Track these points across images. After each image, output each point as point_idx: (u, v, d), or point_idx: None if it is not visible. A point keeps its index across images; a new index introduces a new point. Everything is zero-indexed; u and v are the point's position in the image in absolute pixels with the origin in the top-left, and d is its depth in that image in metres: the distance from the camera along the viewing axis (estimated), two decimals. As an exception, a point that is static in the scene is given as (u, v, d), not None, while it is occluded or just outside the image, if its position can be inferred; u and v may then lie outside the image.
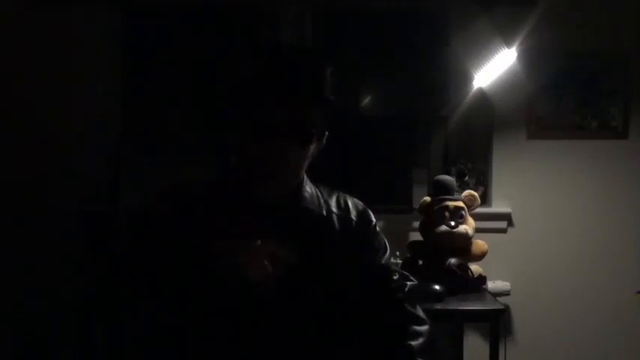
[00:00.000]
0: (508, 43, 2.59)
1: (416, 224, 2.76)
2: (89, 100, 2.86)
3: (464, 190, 2.76)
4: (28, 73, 2.85)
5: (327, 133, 1.32)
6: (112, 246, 2.32)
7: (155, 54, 2.99)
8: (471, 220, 2.63)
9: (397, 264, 2.47)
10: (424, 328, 1.39)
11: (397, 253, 2.59)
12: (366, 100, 3.21)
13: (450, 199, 2.61)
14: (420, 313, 1.42)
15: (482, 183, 2.99)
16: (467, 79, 2.89)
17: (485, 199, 2.95)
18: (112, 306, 1.16)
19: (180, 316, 1.20)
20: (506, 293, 2.83)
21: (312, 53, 1.35)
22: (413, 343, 1.35)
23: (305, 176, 1.38)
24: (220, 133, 1.34)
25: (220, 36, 2.98)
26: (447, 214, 2.58)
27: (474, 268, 2.56)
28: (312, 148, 1.30)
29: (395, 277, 1.42)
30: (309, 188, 1.38)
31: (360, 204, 1.44)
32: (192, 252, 1.16)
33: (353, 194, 1.47)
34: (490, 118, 2.96)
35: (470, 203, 2.65)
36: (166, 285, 1.14)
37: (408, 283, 1.43)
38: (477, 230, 2.65)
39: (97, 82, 2.87)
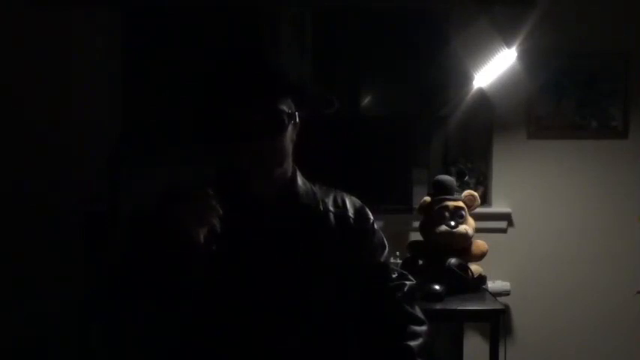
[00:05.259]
0: (508, 43, 2.59)
1: (416, 224, 2.76)
2: (89, 100, 2.86)
3: (464, 190, 2.76)
4: (28, 73, 2.85)
5: (297, 114, 1.32)
6: (112, 246, 2.32)
7: (155, 54, 2.99)
8: (470, 220, 2.63)
9: (397, 264, 2.47)
10: (423, 328, 1.39)
11: (397, 253, 2.59)
12: (366, 100, 3.21)
13: (450, 199, 2.61)
14: (419, 313, 1.42)
15: (482, 183, 2.99)
16: (467, 79, 2.89)
17: (485, 199, 2.95)
18: (112, 306, 1.16)
19: (179, 316, 1.20)
20: (506, 293, 2.83)
21: (258, 50, 1.36)
22: (412, 343, 1.35)
23: (297, 171, 1.38)
24: (209, 134, 1.35)
25: (220, 36, 2.98)
26: (447, 214, 2.58)
27: (474, 268, 2.56)
28: (289, 132, 1.30)
29: (394, 276, 1.42)
30: (302, 184, 1.38)
31: (358, 202, 1.44)
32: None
33: (353, 194, 1.47)
34: (490, 118, 2.96)
35: (470, 203, 2.65)
36: (166, 283, 1.14)
37: (407, 282, 1.43)
38: (477, 230, 2.66)
39: (97, 82, 2.88)
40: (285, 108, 1.27)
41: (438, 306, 2.34)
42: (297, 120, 1.32)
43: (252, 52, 1.33)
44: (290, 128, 1.29)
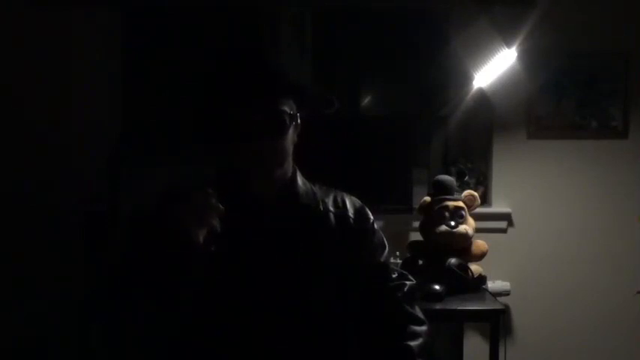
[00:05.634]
0: (508, 43, 2.59)
1: (416, 224, 2.76)
2: (89, 100, 2.86)
3: (464, 190, 2.76)
4: (28, 73, 2.85)
5: (299, 115, 1.32)
6: (111, 246, 2.32)
7: (155, 54, 2.99)
8: (470, 220, 2.63)
9: (397, 264, 2.47)
10: (422, 328, 1.39)
11: (397, 253, 2.59)
12: (366, 100, 3.21)
13: (450, 199, 2.61)
14: (419, 313, 1.42)
15: (483, 183, 2.99)
16: (467, 79, 2.89)
17: (485, 199, 2.95)
18: (112, 306, 1.16)
19: (179, 316, 1.20)
20: (506, 293, 2.83)
21: (258, 50, 1.36)
22: (412, 343, 1.35)
23: (297, 171, 1.38)
24: (209, 136, 1.35)
25: (220, 36, 2.98)
26: (447, 214, 2.58)
27: (474, 268, 2.56)
28: (291, 134, 1.30)
29: (394, 276, 1.42)
30: (302, 184, 1.38)
31: (358, 202, 1.44)
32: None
33: (353, 194, 1.47)
34: (490, 118, 2.96)
35: (470, 203, 2.65)
36: (165, 283, 1.14)
37: (407, 282, 1.43)
38: (477, 230, 2.66)
39: (97, 82, 2.88)
40: (286, 109, 1.27)
41: (438, 306, 2.34)
42: (299, 121, 1.32)
43: (254, 52, 1.33)
44: (291, 129, 1.30)
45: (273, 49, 1.28)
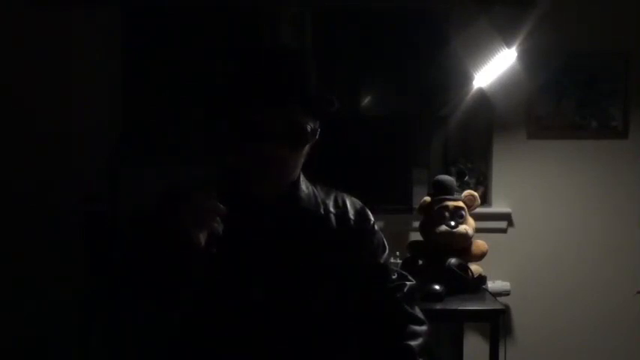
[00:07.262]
0: (508, 43, 2.59)
1: (416, 224, 2.76)
2: (89, 100, 2.86)
3: (464, 190, 2.76)
4: (29, 73, 2.85)
5: (319, 130, 1.31)
6: (112, 246, 2.32)
7: (155, 54, 2.99)
8: (471, 220, 2.64)
9: (397, 264, 2.47)
10: (423, 328, 1.39)
11: (397, 253, 2.59)
12: (366, 100, 3.21)
13: (450, 199, 2.61)
14: (419, 313, 1.42)
15: (483, 183, 2.99)
16: (467, 79, 2.89)
17: (485, 199, 2.95)
18: (112, 306, 1.16)
19: (180, 316, 1.20)
20: (506, 293, 2.83)
21: (298, 53, 1.34)
22: (412, 343, 1.35)
23: (301, 174, 1.38)
24: (215, 133, 1.34)
25: (220, 36, 2.98)
26: (447, 214, 2.58)
27: (474, 268, 2.56)
28: (307, 148, 1.30)
29: (393, 277, 1.42)
30: (305, 187, 1.37)
31: (358, 203, 1.44)
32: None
33: (353, 194, 1.46)
34: (490, 118, 2.96)
35: (470, 203, 2.65)
36: (165, 284, 1.14)
37: (407, 283, 1.43)
38: (477, 230, 2.66)
39: (97, 82, 2.88)
40: (310, 124, 1.26)
41: (438, 306, 2.34)
42: (317, 136, 1.31)
43: (290, 55, 1.31)
44: (308, 145, 1.29)
45: (312, 62, 1.24)
